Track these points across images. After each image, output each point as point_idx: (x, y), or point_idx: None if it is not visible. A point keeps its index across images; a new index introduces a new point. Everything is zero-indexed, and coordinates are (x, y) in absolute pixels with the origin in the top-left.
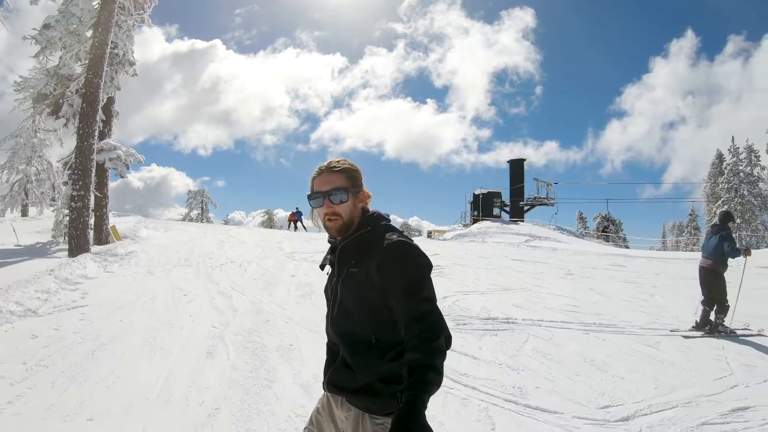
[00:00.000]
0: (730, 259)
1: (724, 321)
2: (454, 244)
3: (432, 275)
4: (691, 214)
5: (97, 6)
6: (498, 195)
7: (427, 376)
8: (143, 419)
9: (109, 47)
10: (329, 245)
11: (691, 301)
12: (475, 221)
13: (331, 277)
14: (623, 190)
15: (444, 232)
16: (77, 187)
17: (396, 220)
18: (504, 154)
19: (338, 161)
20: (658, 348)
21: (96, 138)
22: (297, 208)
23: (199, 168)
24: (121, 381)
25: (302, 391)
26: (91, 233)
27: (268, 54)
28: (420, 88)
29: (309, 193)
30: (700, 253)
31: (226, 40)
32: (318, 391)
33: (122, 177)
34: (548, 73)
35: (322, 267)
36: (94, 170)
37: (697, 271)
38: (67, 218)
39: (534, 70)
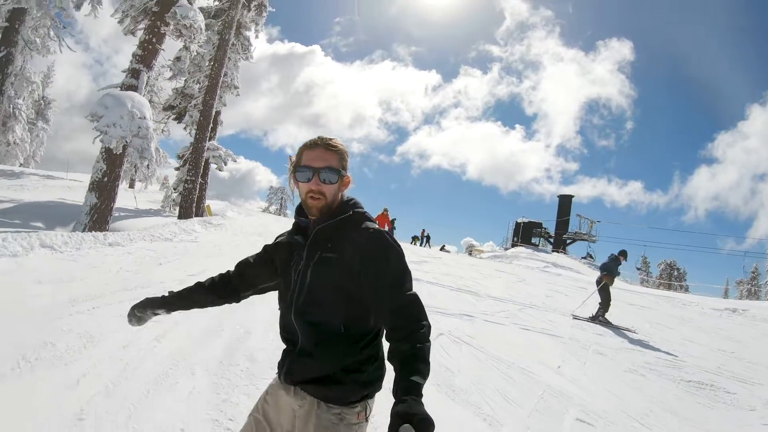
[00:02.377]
0: (617, 276)
1: (604, 315)
2: (476, 260)
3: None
4: (753, 272)
5: (214, 47)
6: (539, 225)
7: (420, 366)
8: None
9: (221, 77)
10: (295, 225)
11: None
12: (513, 246)
13: (292, 259)
14: (688, 238)
15: (483, 251)
16: (190, 174)
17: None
18: (586, 188)
19: (332, 139)
20: (553, 322)
21: (206, 141)
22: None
23: (284, 166)
24: (220, 261)
25: None
26: (194, 207)
27: (365, 64)
28: (510, 113)
29: (296, 164)
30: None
31: (325, 46)
32: None
33: (220, 170)
34: (640, 109)
35: (273, 245)
36: (203, 164)
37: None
38: (174, 194)
39: (626, 105)
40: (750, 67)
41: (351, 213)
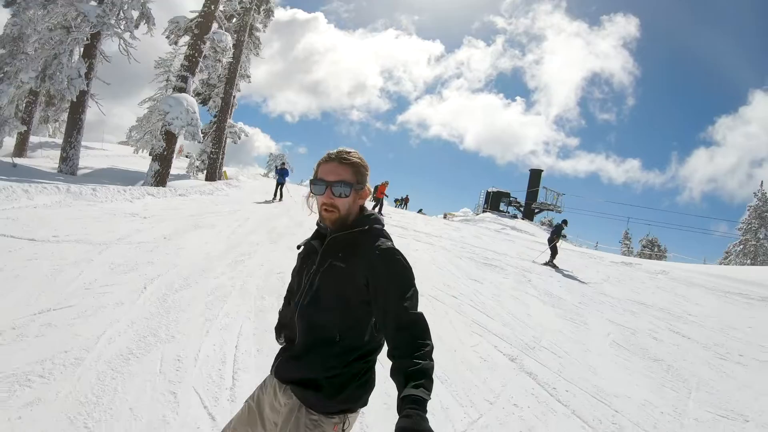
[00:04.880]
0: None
1: (553, 261)
2: (447, 222)
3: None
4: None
5: (231, 45)
6: (507, 195)
7: (424, 381)
8: (253, 213)
9: (238, 71)
10: (316, 230)
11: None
12: (484, 212)
13: (306, 262)
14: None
15: (455, 215)
16: (214, 147)
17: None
18: (583, 163)
19: (349, 153)
20: (505, 263)
21: (226, 121)
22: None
23: (283, 133)
24: (248, 207)
25: None
26: (216, 172)
27: (367, 32)
28: (512, 85)
29: (312, 178)
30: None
31: (327, 12)
32: None
33: (234, 143)
34: (642, 87)
35: (299, 247)
36: (224, 139)
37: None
38: (198, 162)
39: (628, 82)
40: (755, 53)
41: (367, 228)
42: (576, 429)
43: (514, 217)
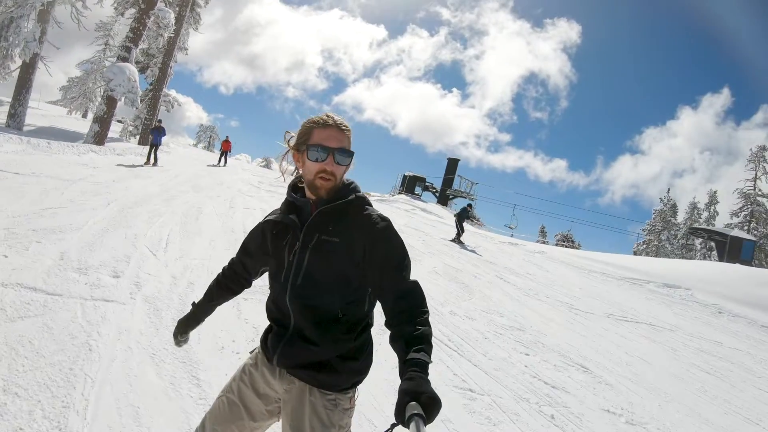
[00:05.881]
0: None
1: (460, 239)
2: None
3: None
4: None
5: (173, 22)
6: (422, 179)
7: (425, 346)
8: (193, 167)
9: (176, 44)
10: (289, 203)
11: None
12: (399, 194)
13: (282, 239)
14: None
15: (370, 195)
16: (149, 114)
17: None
18: (511, 159)
19: (342, 119)
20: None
21: (162, 90)
22: (227, 136)
23: (216, 104)
24: (180, 166)
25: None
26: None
27: (312, 10)
28: (450, 77)
29: (300, 141)
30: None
31: None
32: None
33: (167, 111)
34: (576, 92)
35: (267, 223)
36: (158, 107)
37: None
38: (131, 126)
39: (563, 85)
40: (691, 69)
41: (353, 197)
42: None
43: (438, 203)
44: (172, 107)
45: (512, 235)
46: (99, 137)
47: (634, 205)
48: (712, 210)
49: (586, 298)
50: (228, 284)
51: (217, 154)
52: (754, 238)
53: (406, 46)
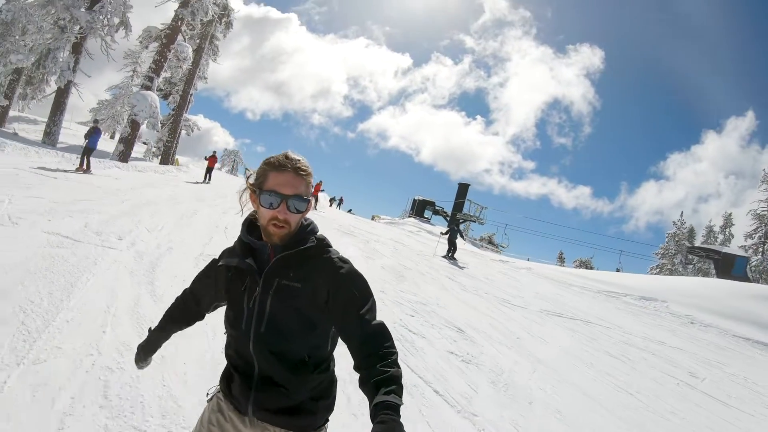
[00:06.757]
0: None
1: (451, 255)
2: (372, 222)
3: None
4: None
5: (191, 55)
6: (432, 203)
7: (396, 388)
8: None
9: (196, 73)
10: (244, 245)
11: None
12: (409, 217)
13: (240, 283)
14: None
15: (382, 218)
16: (170, 137)
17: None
18: (535, 186)
19: (302, 162)
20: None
21: (182, 115)
22: (214, 152)
23: (243, 130)
24: (191, 186)
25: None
26: (169, 158)
27: (338, 38)
28: (474, 105)
29: (256, 183)
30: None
31: (300, 13)
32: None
33: (188, 135)
34: (600, 118)
35: (217, 263)
36: (179, 130)
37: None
38: (154, 148)
39: (587, 111)
40: (712, 95)
41: (314, 242)
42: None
43: (448, 227)
44: (192, 131)
45: (500, 252)
46: (123, 155)
47: (658, 231)
48: (727, 232)
49: (535, 300)
50: (179, 317)
51: (239, 177)
52: (746, 255)
53: (431, 74)
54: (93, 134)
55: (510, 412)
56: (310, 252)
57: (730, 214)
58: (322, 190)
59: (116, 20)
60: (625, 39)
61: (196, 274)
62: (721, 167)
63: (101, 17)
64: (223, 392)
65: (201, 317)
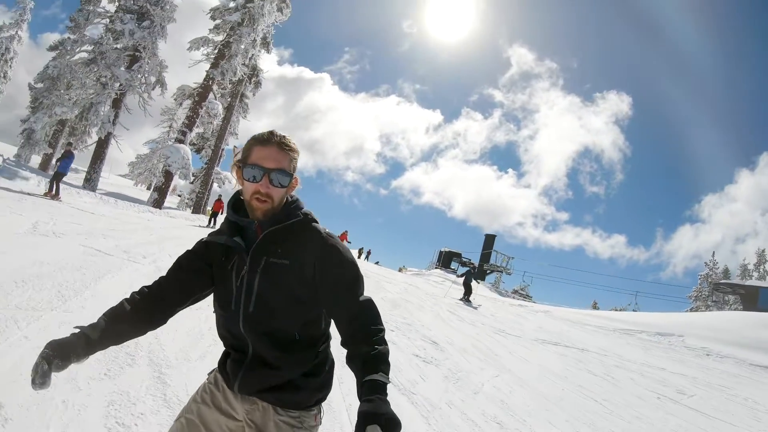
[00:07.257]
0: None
1: (466, 298)
2: (401, 273)
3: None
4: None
5: (222, 112)
6: (458, 255)
7: (382, 366)
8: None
9: (227, 129)
10: (231, 223)
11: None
12: (435, 268)
13: (230, 263)
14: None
15: (408, 269)
16: (202, 188)
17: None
18: (569, 237)
19: (285, 137)
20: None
21: (214, 168)
22: (220, 196)
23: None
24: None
25: None
26: (201, 208)
27: (369, 96)
28: (505, 159)
29: (241, 158)
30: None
31: (333, 72)
32: None
33: (219, 187)
34: (631, 164)
35: (204, 246)
36: (210, 183)
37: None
38: (187, 199)
39: (617, 158)
40: (742, 132)
41: (301, 218)
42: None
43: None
44: (224, 184)
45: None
46: (157, 203)
47: (696, 276)
48: (761, 270)
49: (535, 332)
50: (142, 312)
51: None
52: None
53: (462, 129)
54: (65, 158)
55: (451, 396)
56: (296, 226)
57: (763, 251)
58: (349, 242)
59: (153, 79)
60: (649, 83)
61: (172, 269)
62: (756, 205)
63: (139, 76)
64: (219, 368)
65: (165, 319)
